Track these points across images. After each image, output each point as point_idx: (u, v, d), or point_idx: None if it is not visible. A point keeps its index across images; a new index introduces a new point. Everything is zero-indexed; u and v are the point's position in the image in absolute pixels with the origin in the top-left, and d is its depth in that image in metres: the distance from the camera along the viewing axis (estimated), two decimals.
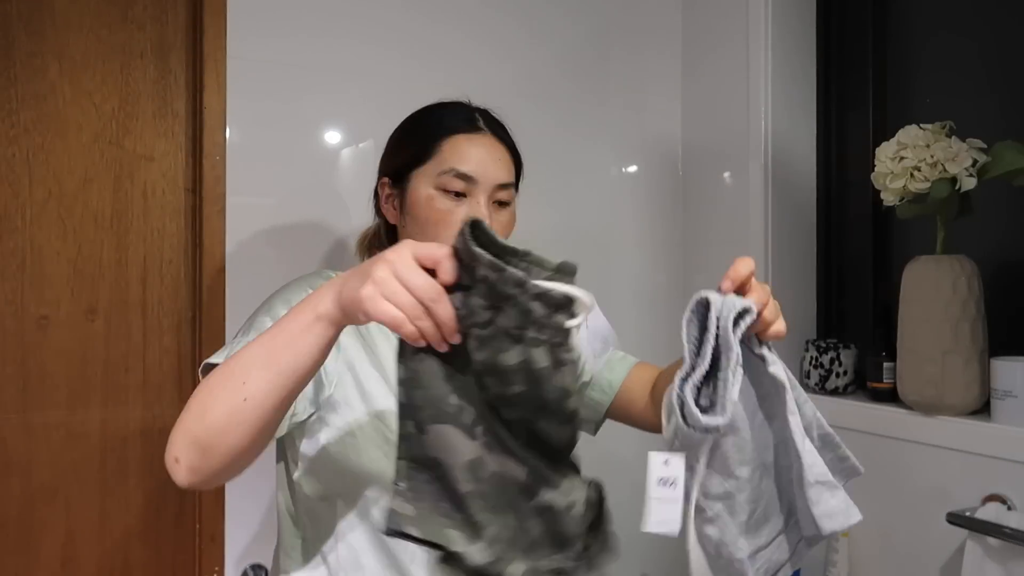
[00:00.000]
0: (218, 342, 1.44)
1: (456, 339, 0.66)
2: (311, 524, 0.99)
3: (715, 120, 1.80)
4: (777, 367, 0.73)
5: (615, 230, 1.84)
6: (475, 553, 0.67)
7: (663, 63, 1.89)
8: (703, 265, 1.83)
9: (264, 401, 0.72)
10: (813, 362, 1.55)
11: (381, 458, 0.94)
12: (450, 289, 0.65)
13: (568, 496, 0.70)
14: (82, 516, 1.41)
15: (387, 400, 0.96)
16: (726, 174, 1.76)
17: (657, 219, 1.88)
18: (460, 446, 0.67)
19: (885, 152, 1.28)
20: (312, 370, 0.73)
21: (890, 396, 1.39)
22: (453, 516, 0.67)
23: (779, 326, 0.74)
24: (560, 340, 0.65)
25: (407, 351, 0.68)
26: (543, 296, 0.63)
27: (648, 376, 1.12)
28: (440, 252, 0.66)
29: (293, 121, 1.51)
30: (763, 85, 1.65)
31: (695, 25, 1.85)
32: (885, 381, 1.41)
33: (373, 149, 1.58)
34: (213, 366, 0.83)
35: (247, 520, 1.47)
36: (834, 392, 1.52)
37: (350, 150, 1.57)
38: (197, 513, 1.45)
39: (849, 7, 1.67)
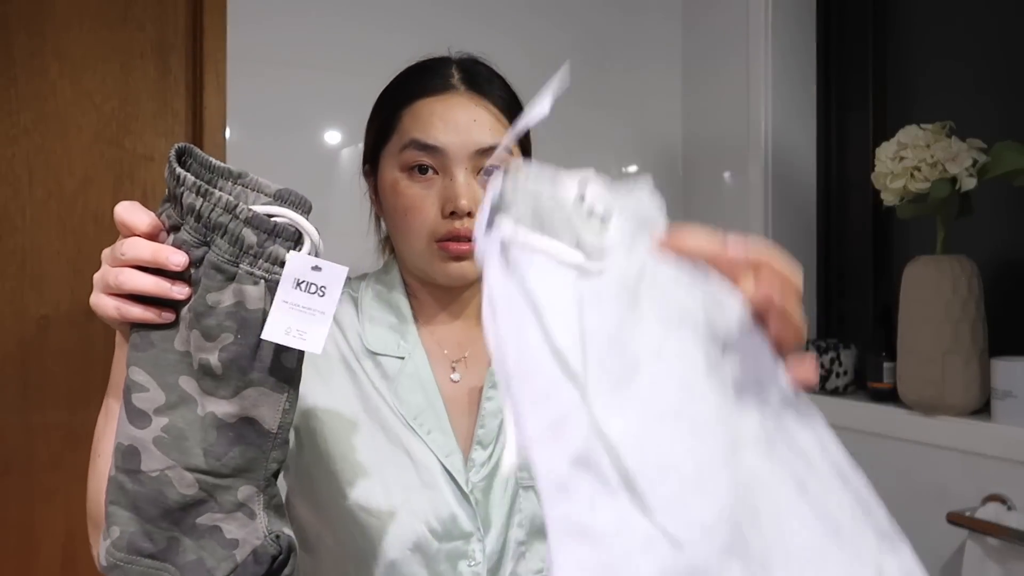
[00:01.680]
0: None
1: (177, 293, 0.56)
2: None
3: (715, 120, 1.80)
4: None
5: None
6: (101, 552, 0.58)
7: (663, 63, 1.89)
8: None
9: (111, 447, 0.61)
10: None
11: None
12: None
13: (240, 530, 0.57)
14: (82, 516, 1.41)
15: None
16: (726, 174, 1.76)
17: None
18: (121, 426, 0.58)
19: (885, 152, 1.28)
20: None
21: (890, 396, 1.39)
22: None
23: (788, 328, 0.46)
24: (279, 276, 0.56)
25: None
26: (254, 221, 0.55)
27: None
28: (124, 209, 0.57)
29: (293, 121, 1.51)
30: (763, 85, 1.65)
31: (696, 25, 1.85)
32: (885, 381, 1.41)
33: None
34: None
35: None
36: (834, 392, 1.52)
37: (350, 150, 1.57)
38: None
39: (849, 7, 1.67)
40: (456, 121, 0.81)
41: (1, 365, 1.36)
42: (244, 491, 0.58)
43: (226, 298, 0.55)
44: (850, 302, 1.67)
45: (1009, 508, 1.15)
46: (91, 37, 1.42)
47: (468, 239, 0.81)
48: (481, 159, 0.82)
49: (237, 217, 0.55)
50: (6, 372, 1.36)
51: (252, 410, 0.57)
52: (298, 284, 0.56)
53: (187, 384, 0.57)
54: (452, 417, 0.84)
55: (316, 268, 0.56)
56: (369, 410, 0.83)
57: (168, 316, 0.57)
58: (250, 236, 0.55)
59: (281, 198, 0.60)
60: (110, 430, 0.63)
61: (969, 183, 1.21)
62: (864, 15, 1.64)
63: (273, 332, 0.55)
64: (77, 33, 1.41)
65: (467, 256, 0.82)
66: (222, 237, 0.55)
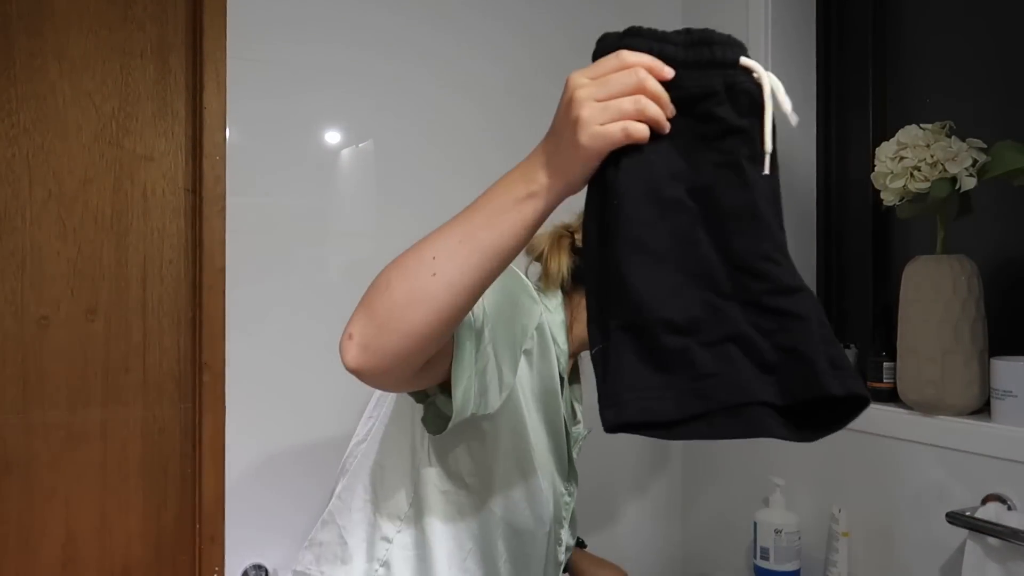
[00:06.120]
0: (218, 342, 1.44)
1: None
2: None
3: None
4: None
5: None
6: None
7: None
8: None
9: (455, 280, 0.68)
10: None
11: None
12: None
13: None
14: (82, 516, 1.42)
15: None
16: None
17: None
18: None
19: (885, 152, 1.28)
20: (515, 251, 0.70)
21: (890, 396, 1.39)
22: None
23: None
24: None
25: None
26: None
27: None
28: (612, 58, 0.67)
29: (293, 121, 1.51)
30: None
31: (695, 25, 1.85)
32: (885, 381, 1.41)
33: (373, 149, 1.59)
34: None
35: (247, 520, 1.47)
36: None
37: (350, 150, 1.57)
38: (197, 513, 1.45)
39: (849, 7, 1.67)
40: None
41: (1, 365, 1.36)
42: None
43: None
44: (850, 302, 1.67)
45: (1009, 508, 1.15)
46: (91, 37, 1.42)
47: None
48: None
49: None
50: (6, 372, 1.37)
51: None
52: None
53: None
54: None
55: None
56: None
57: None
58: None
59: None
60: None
61: (969, 183, 1.21)
62: (864, 15, 1.64)
63: None
64: (77, 33, 1.41)
65: None
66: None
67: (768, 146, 0.66)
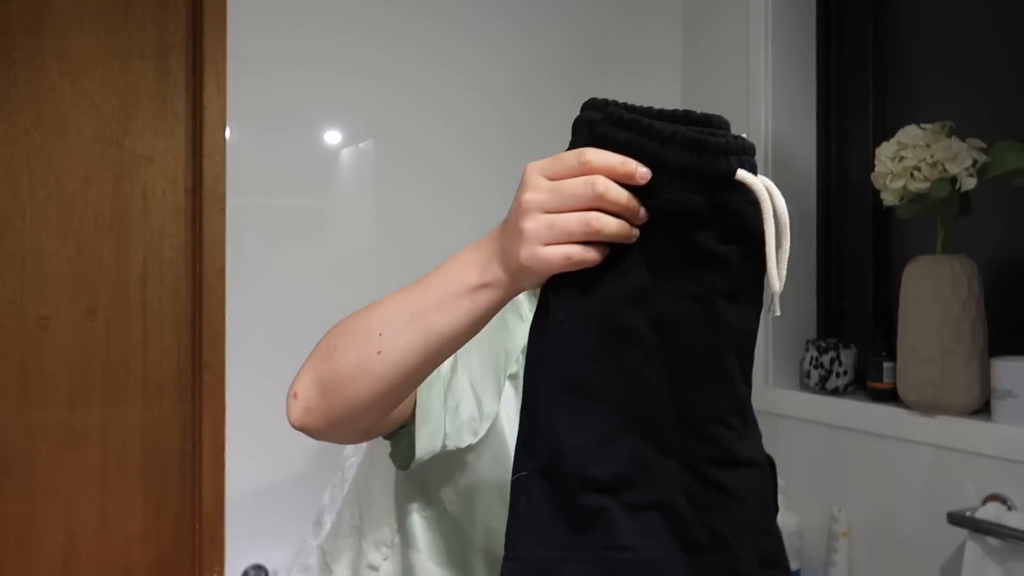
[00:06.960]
0: (218, 342, 1.44)
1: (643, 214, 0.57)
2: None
3: None
4: None
5: None
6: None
7: (663, 64, 1.89)
8: None
9: (400, 359, 0.64)
10: (813, 362, 1.55)
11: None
12: None
13: None
14: (82, 516, 1.41)
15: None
16: None
17: None
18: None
19: (885, 152, 1.28)
20: (467, 337, 0.64)
21: (890, 396, 1.39)
22: None
23: None
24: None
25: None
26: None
27: None
28: (572, 157, 0.56)
29: (293, 121, 1.51)
30: (763, 85, 1.65)
31: (695, 27, 1.85)
32: (885, 381, 1.41)
33: (373, 149, 1.59)
34: None
35: (247, 520, 1.47)
36: (834, 392, 1.52)
37: (350, 150, 1.57)
38: (197, 513, 1.45)
39: (849, 7, 1.67)
40: None
41: (1, 365, 1.36)
42: None
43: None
44: (850, 302, 1.67)
45: (1009, 508, 1.15)
46: (91, 37, 1.42)
47: None
48: None
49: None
50: (6, 372, 1.37)
51: None
52: None
53: None
54: None
55: None
56: None
57: (636, 231, 0.57)
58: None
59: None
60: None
61: (969, 183, 1.21)
62: (864, 15, 1.64)
63: None
64: (77, 33, 1.41)
65: None
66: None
67: (776, 286, 0.57)
